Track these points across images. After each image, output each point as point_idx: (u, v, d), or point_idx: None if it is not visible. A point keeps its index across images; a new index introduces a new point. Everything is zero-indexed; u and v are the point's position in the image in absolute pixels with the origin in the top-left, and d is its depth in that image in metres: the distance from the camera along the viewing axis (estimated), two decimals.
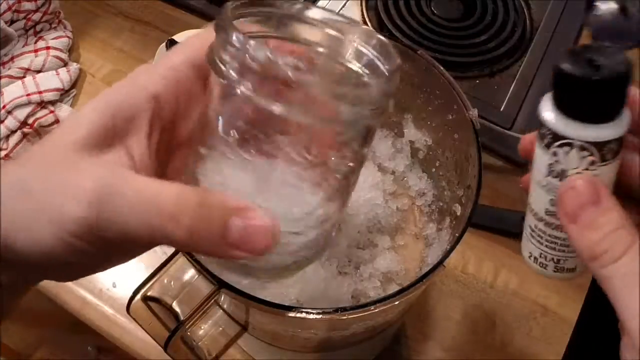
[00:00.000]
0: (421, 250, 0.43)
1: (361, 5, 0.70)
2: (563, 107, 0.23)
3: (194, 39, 0.28)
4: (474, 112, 0.35)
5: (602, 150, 0.23)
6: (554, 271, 0.28)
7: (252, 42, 0.22)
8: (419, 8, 0.68)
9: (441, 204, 0.43)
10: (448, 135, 0.40)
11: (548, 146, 0.24)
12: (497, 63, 0.64)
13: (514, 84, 0.63)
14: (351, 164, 0.28)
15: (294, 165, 0.25)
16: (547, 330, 0.52)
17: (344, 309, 0.30)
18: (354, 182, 0.29)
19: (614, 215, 0.23)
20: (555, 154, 0.24)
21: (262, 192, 0.26)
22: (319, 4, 0.71)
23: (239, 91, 0.23)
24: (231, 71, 0.23)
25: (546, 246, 0.27)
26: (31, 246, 0.23)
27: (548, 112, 0.24)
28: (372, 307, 0.30)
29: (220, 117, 0.26)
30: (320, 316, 0.30)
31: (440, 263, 0.31)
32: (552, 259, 0.28)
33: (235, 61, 0.23)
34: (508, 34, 0.66)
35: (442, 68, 0.37)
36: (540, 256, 0.28)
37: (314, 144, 0.25)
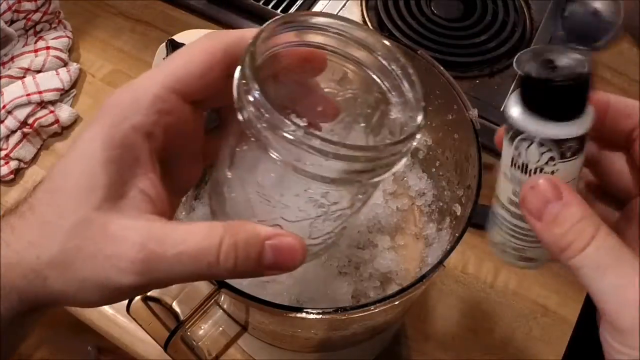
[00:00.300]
0: (421, 250, 0.43)
1: (361, 5, 0.70)
2: (525, 103, 0.24)
3: (169, 63, 0.27)
4: (474, 112, 0.35)
5: (562, 148, 0.24)
6: (516, 259, 0.29)
7: (269, 110, 0.23)
8: (419, 8, 0.68)
9: (441, 204, 0.43)
10: (448, 135, 0.40)
11: (512, 139, 0.25)
12: (497, 63, 0.64)
13: (514, 84, 0.63)
14: (377, 185, 0.29)
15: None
16: (547, 330, 0.52)
17: (344, 309, 0.30)
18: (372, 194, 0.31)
19: (576, 208, 0.24)
20: (517, 147, 0.25)
21: (292, 218, 0.28)
22: (319, 4, 0.71)
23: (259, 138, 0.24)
24: (252, 121, 0.24)
25: (509, 234, 0.28)
26: (74, 302, 0.25)
27: (513, 108, 0.25)
28: (372, 307, 0.30)
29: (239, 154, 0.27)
30: (320, 316, 0.30)
31: (440, 263, 0.31)
32: (514, 247, 0.28)
33: (257, 118, 0.24)
34: (508, 34, 0.66)
35: (442, 68, 0.37)
36: (503, 243, 0.29)
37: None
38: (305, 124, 0.26)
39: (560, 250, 0.24)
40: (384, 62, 0.29)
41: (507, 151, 0.26)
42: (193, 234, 0.24)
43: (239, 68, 0.25)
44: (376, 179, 0.26)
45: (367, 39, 0.29)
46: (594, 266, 0.23)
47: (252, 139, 0.24)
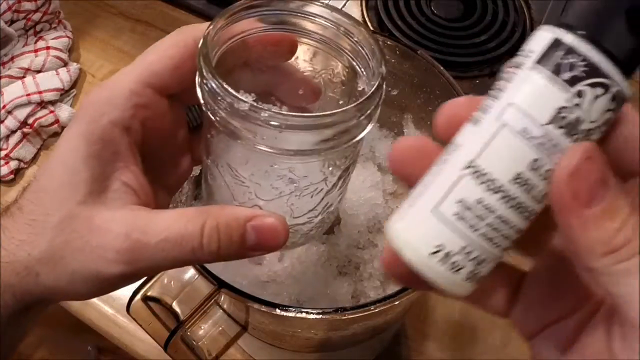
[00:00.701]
0: None
1: (361, 5, 0.70)
2: (616, 40, 0.18)
3: (143, 59, 0.28)
4: None
5: (617, 111, 0.18)
6: (464, 279, 0.19)
7: (231, 94, 0.24)
8: (419, 8, 0.68)
9: None
10: None
11: (572, 82, 0.18)
12: (497, 63, 0.64)
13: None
14: (349, 159, 0.28)
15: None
16: None
17: (344, 309, 0.30)
18: (352, 170, 0.31)
19: (623, 198, 0.18)
20: (580, 94, 0.18)
21: (268, 196, 0.28)
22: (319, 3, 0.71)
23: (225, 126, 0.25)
24: (209, 104, 0.25)
25: (482, 236, 0.19)
26: (66, 296, 0.25)
27: (591, 45, 0.18)
28: (372, 307, 0.30)
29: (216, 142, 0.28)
30: (320, 316, 0.30)
31: None
32: (477, 257, 0.19)
33: (223, 107, 0.24)
34: (508, 34, 0.66)
35: (442, 68, 0.37)
36: (461, 251, 0.19)
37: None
38: (254, 99, 0.26)
39: (606, 252, 0.18)
40: (348, 37, 0.29)
41: (549, 98, 0.18)
42: (175, 220, 0.24)
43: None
44: (337, 149, 0.26)
45: (329, 15, 0.29)
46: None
47: (216, 125, 0.25)
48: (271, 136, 0.24)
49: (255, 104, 0.24)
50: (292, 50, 0.30)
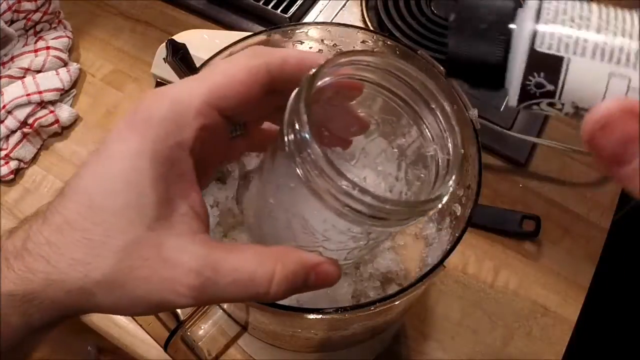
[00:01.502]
0: (421, 250, 0.43)
1: (361, 5, 0.70)
2: None
3: (211, 77, 0.26)
4: (474, 112, 0.35)
5: None
6: None
7: (315, 148, 0.23)
8: (419, 8, 0.68)
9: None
10: None
11: None
12: None
13: None
14: None
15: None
16: (547, 330, 0.52)
17: (344, 309, 0.30)
18: None
19: None
20: None
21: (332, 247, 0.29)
22: (319, 4, 0.71)
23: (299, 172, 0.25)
24: (306, 168, 0.24)
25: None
26: (117, 313, 0.25)
27: None
28: (372, 307, 0.30)
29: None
30: (320, 316, 0.30)
31: (440, 263, 0.31)
32: None
33: (310, 167, 0.24)
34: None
35: (442, 68, 0.37)
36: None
37: None
38: (356, 179, 0.27)
39: None
40: (425, 97, 0.29)
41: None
42: (246, 262, 0.24)
43: (291, 111, 0.25)
44: (412, 222, 0.26)
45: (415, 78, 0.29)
46: None
47: (301, 178, 0.24)
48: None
49: (359, 186, 0.23)
50: (358, 95, 0.30)
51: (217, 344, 0.37)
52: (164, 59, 0.37)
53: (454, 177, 0.27)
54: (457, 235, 0.33)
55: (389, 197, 0.24)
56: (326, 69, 0.26)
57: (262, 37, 0.39)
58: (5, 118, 0.61)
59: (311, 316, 0.29)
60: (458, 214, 0.39)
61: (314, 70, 0.25)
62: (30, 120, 0.62)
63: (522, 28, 0.20)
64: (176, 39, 0.36)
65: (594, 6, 0.20)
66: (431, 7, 0.68)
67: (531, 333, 0.52)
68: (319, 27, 0.40)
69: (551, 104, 0.20)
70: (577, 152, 0.60)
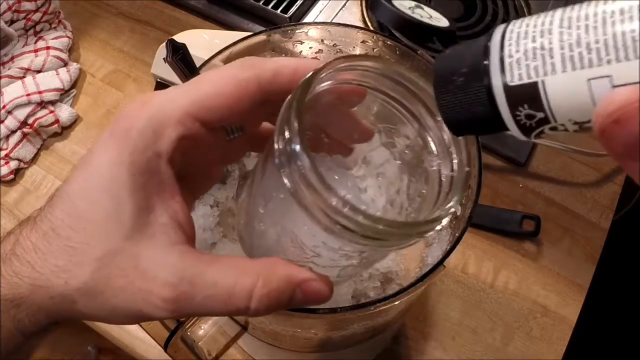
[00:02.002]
0: (421, 250, 0.43)
1: (361, 5, 0.70)
2: None
3: (196, 88, 0.25)
4: None
5: None
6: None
7: (305, 161, 0.22)
8: None
9: None
10: None
11: None
12: None
13: None
14: None
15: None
16: (547, 330, 0.52)
17: (344, 309, 0.30)
18: None
19: None
20: None
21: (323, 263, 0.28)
22: (319, 4, 0.71)
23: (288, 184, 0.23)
24: (295, 181, 0.23)
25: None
26: (101, 321, 0.25)
27: None
28: (372, 307, 0.30)
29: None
30: (320, 316, 0.30)
31: (440, 263, 0.31)
32: None
33: (300, 181, 0.23)
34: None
35: None
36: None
37: None
38: (349, 196, 0.26)
39: None
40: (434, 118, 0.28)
41: None
42: (224, 277, 0.24)
43: (281, 125, 0.24)
44: (411, 244, 0.25)
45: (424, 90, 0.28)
46: None
47: (291, 192, 0.23)
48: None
49: (352, 204, 0.22)
50: (360, 101, 0.29)
51: (217, 344, 0.37)
52: (164, 59, 0.37)
53: (456, 198, 0.25)
54: (457, 235, 0.33)
55: (382, 216, 0.23)
56: (321, 75, 0.25)
57: (262, 37, 0.39)
58: (5, 118, 0.61)
59: (311, 316, 0.29)
60: (458, 214, 0.39)
61: (308, 76, 0.25)
62: (30, 120, 0.62)
63: (492, 69, 0.19)
64: (176, 39, 0.36)
65: (557, 13, 0.19)
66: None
67: (531, 333, 0.52)
68: (319, 27, 0.40)
69: (553, 128, 0.19)
70: (577, 152, 0.60)
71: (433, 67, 0.22)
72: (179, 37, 0.56)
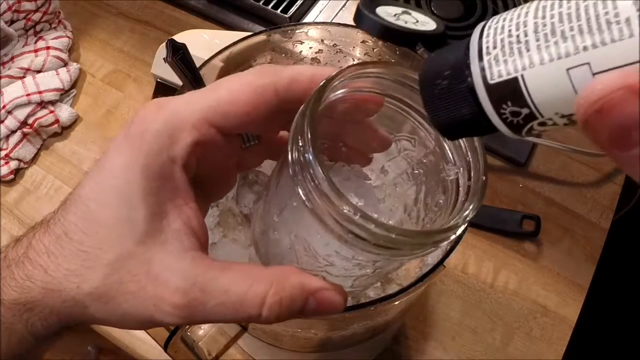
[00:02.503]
0: None
1: None
2: None
3: (213, 94, 0.25)
4: None
5: None
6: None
7: (320, 177, 0.22)
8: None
9: None
10: None
11: None
12: None
13: None
14: None
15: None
16: (547, 330, 0.52)
17: (344, 309, 0.30)
18: None
19: None
20: None
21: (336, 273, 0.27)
22: (319, 4, 0.71)
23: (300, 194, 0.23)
24: (308, 189, 0.23)
25: None
26: (113, 326, 0.25)
27: None
28: (372, 307, 0.30)
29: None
30: (321, 316, 0.30)
31: (440, 263, 0.31)
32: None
33: (312, 190, 0.23)
34: None
35: None
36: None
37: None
38: (362, 204, 0.25)
39: None
40: None
41: None
42: (236, 283, 0.23)
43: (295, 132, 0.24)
44: (426, 254, 0.25)
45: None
46: None
47: (303, 200, 0.23)
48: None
49: (363, 212, 0.22)
50: (377, 110, 0.28)
51: (217, 344, 0.37)
52: (164, 59, 0.37)
53: (472, 206, 0.24)
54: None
55: (394, 225, 0.22)
56: (334, 84, 0.25)
57: (262, 37, 0.39)
58: (5, 118, 0.61)
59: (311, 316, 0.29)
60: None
61: (320, 84, 0.24)
62: (30, 120, 0.62)
63: (472, 68, 0.19)
64: (176, 39, 0.36)
65: (532, 5, 0.18)
66: (431, 7, 0.68)
67: (531, 333, 0.52)
68: (319, 27, 0.40)
69: (542, 124, 0.19)
70: (577, 152, 0.60)
71: (419, 72, 0.21)
72: (179, 37, 0.56)
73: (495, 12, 0.68)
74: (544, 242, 0.56)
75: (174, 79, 0.60)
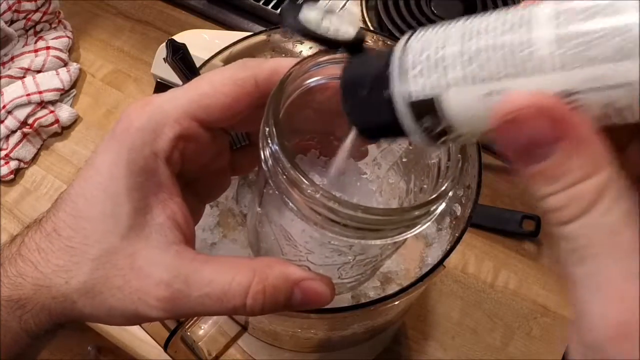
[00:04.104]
0: (421, 250, 0.43)
1: (361, 5, 0.70)
2: None
3: (195, 88, 0.26)
4: None
5: None
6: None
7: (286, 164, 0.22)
8: (419, 8, 0.68)
9: None
10: None
11: None
12: None
13: None
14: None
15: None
16: (547, 330, 0.52)
17: (344, 309, 0.30)
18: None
19: (581, 158, 0.16)
20: None
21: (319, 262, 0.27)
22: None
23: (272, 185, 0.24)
24: (272, 171, 0.23)
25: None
26: (102, 322, 0.25)
27: None
28: (372, 307, 0.30)
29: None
30: (320, 316, 0.30)
31: (440, 263, 0.31)
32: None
33: (276, 171, 0.23)
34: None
35: None
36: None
37: None
38: (323, 182, 0.25)
39: (546, 211, 0.17)
40: None
41: None
42: (219, 274, 0.23)
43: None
44: (400, 238, 0.24)
45: None
46: (584, 241, 0.17)
47: (274, 187, 0.24)
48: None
49: (326, 191, 0.22)
50: None
51: (217, 344, 0.37)
52: (164, 59, 0.37)
53: (447, 184, 0.24)
54: (457, 235, 0.33)
55: (359, 203, 0.22)
56: (298, 70, 0.25)
57: (262, 37, 0.39)
58: (5, 118, 0.61)
59: (311, 316, 0.29)
60: (458, 214, 0.39)
61: (285, 74, 0.24)
62: (30, 120, 0.62)
63: (394, 82, 0.19)
64: (176, 39, 0.36)
65: (456, 26, 0.19)
66: (431, 7, 0.68)
67: (531, 333, 0.52)
68: None
69: (458, 136, 0.19)
70: None
71: (340, 76, 0.22)
72: (179, 37, 0.56)
73: None
74: (544, 242, 0.56)
75: (174, 79, 0.60)
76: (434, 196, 0.24)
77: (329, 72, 0.26)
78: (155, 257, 0.24)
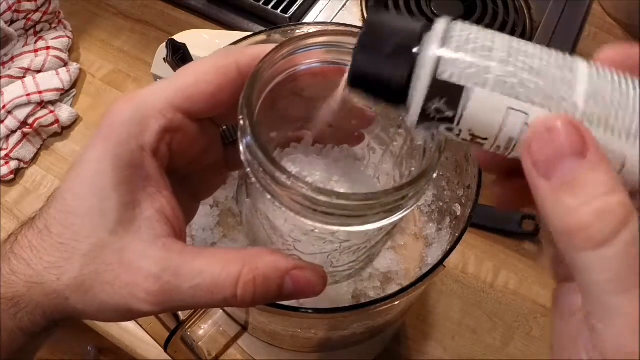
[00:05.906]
0: (421, 250, 0.43)
1: (361, 5, 0.70)
2: None
3: (178, 80, 0.26)
4: None
5: None
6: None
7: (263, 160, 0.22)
8: (419, 8, 0.68)
9: (441, 204, 0.43)
10: None
11: None
12: None
13: None
14: None
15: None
16: (547, 330, 0.52)
17: (344, 309, 0.30)
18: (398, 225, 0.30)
19: (604, 174, 0.17)
20: None
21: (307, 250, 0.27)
22: (319, 4, 0.71)
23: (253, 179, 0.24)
24: (249, 161, 0.23)
25: None
26: (95, 319, 0.25)
27: None
28: (372, 307, 0.30)
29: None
30: (320, 316, 0.30)
31: (440, 263, 0.31)
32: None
33: (252, 161, 0.23)
34: (508, 34, 0.66)
35: None
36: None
37: None
38: (297, 170, 0.25)
39: (568, 233, 0.17)
40: None
41: None
42: (209, 265, 0.23)
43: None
44: (383, 223, 0.24)
45: None
46: (612, 275, 0.16)
47: (251, 174, 0.24)
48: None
49: (299, 178, 0.22)
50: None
51: (217, 344, 0.37)
52: (164, 59, 0.37)
53: (420, 172, 0.24)
54: (457, 235, 0.33)
55: (333, 189, 0.22)
56: (273, 57, 0.24)
57: (262, 37, 0.39)
58: (5, 118, 0.61)
59: (311, 316, 0.29)
60: (458, 214, 0.39)
61: (260, 61, 0.24)
62: (30, 120, 0.62)
63: (426, 55, 0.19)
64: (176, 39, 0.36)
65: (502, 37, 0.20)
66: (431, 7, 0.68)
67: (531, 333, 0.52)
68: (318, 27, 0.40)
69: (449, 129, 0.20)
70: None
71: (365, 23, 0.21)
72: (179, 37, 0.56)
73: (495, 12, 0.68)
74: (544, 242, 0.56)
75: None
76: (407, 181, 0.23)
77: (310, 57, 0.26)
78: (144, 250, 0.24)
